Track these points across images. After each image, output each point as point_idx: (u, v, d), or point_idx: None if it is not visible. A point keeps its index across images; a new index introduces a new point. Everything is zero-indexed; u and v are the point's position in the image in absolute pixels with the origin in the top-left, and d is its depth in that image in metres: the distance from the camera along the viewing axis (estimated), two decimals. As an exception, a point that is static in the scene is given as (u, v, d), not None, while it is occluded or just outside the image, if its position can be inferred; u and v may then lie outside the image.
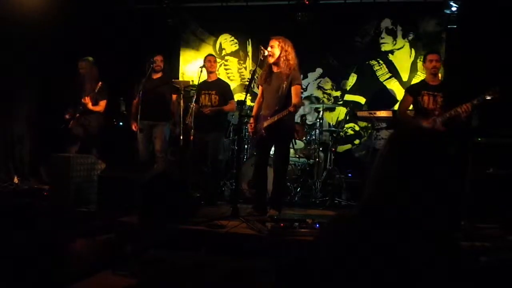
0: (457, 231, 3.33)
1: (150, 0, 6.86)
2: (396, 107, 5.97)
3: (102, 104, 5.41)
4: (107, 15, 6.76)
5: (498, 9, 5.53)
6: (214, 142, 5.05)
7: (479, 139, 4.51)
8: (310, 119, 6.02)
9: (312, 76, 6.79)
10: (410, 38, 6.47)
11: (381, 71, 6.56)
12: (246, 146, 5.78)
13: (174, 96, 5.27)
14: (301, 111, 6.07)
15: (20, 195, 5.07)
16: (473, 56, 5.61)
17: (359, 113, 5.59)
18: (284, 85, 4.06)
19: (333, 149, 5.63)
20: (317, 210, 4.81)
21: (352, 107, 6.35)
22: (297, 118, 5.65)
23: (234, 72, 7.14)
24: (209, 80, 5.24)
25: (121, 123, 6.23)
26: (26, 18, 5.75)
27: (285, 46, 4.11)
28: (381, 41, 6.57)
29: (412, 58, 6.47)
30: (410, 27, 6.45)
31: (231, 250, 3.22)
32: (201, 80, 5.20)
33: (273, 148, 4.40)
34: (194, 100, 5.08)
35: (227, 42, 7.17)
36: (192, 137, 4.97)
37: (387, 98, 6.44)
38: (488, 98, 3.93)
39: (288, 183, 5.14)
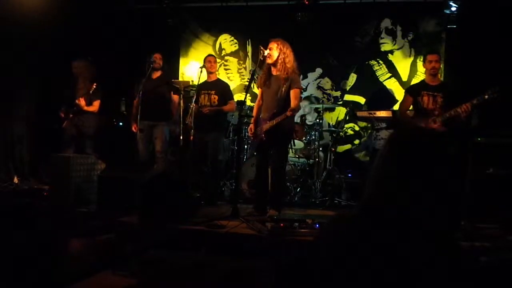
0: (457, 231, 3.33)
1: (150, 0, 6.86)
2: (395, 107, 5.98)
3: (96, 104, 5.41)
4: (107, 15, 6.76)
5: (498, 9, 5.53)
6: (214, 142, 5.05)
7: (479, 139, 4.51)
8: (310, 119, 6.02)
9: (312, 76, 6.79)
10: (409, 38, 6.47)
11: (381, 71, 6.56)
12: (246, 146, 5.78)
13: (175, 97, 5.26)
14: (301, 111, 6.08)
15: (20, 195, 5.08)
16: (473, 56, 5.61)
17: (359, 113, 5.59)
18: (283, 88, 4.07)
19: (333, 149, 5.62)
20: (317, 210, 4.81)
21: (352, 107, 6.35)
22: (297, 118, 5.65)
23: (234, 72, 7.14)
24: (209, 81, 5.24)
25: (121, 123, 6.23)
26: (26, 18, 5.75)
27: (283, 49, 4.11)
28: (381, 41, 6.57)
29: (412, 58, 6.47)
30: (410, 27, 6.45)
31: (231, 250, 3.22)
32: (201, 81, 5.20)
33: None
34: (194, 100, 5.08)
35: (227, 42, 7.17)
36: (192, 137, 4.97)
37: (387, 98, 6.44)
38: (488, 98, 3.94)
39: (288, 183, 5.14)
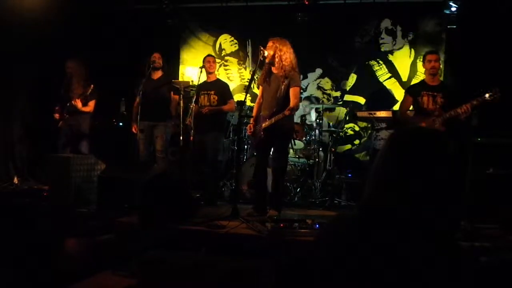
0: (457, 231, 3.33)
1: (150, 0, 6.87)
2: (395, 107, 5.97)
3: (91, 104, 5.43)
4: (107, 15, 6.76)
5: (498, 10, 5.53)
6: (214, 142, 5.05)
7: (479, 139, 4.51)
8: (310, 119, 6.02)
9: (312, 76, 6.79)
10: (409, 38, 6.47)
11: (381, 71, 6.56)
12: (245, 146, 5.78)
13: (175, 97, 5.26)
14: (301, 111, 6.08)
15: (20, 196, 5.07)
16: (473, 56, 5.61)
17: (359, 114, 5.60)
18: (283, 87, 4.06)
19: (333, 149, 5.62)
20: (317, 211, 4.81)
21: (352, 107, 6.35)
22: (297, 119, 5.65)
23: (234, 72, 7.14)
24: (208, 81, 5.24)
25: (121, 124, 6.23)
26: (26, 18, 5.75)
27: (279, 46, 4.10)
28: (381, 41, 6.57)
29: (412, 59, 6.47)
30: (410, 27, 6.45)
31: (231, 251, 3.22)
32: (201, 81, 5.20)
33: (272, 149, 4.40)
34: (194, 100, 5.08)
35: (227, 43, 7.17)
36: (192, 138, 4.97)
37: (387, 98, 6.44)
38: (489, 98, 3.94)
39: (288, 184, 5.14)
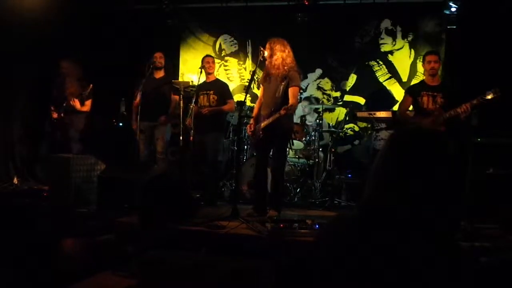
0: (457, 231, 3.33)
1: (150, 0, 6.87)
2: (395, 107, 5.97)
3: (88, 104, 5.43)
4: (107, 15, 6.76)
5: (498, 10, 5.53)
6: (214, 142, 5.05)
7: (479, 139, 4.51)
8: (309, 120, 6.02)
9: (311, 76, 6.79)
10: (409, 38, 6.47)
11: (381, 72, 6.56)
12: (245, 146, 5.78)
13: (175, 97, 5.26)
14: (300, 111, 6.08)
15: (20, 196, 5.08)
16: (473, 57, 5.61)
17: (359, 114, 5.59)
18: (281, 87, 4.06)
19: (333, 150, 5.62)
20: (317, 211, 4.81)
21: (352, 107, 6.35)
22: (297, 119, 5.65)
23: (233, 72, 7.14)
24: (208, 81, 5.23)
25: (121, 124, 6.23)
26: (26, 18, 5.75)
27: (275, 46, 4.11)
28: (381, 41, 6.57)
29: (412, 59, 6.47)
30: (409, 27, 6.45)
31: (231, 251, 3.22)
32: (201, 81, 5.20)
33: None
34: (193, 101, 5.08)
35: (227, 43, 7.17)
36: (192, 138, 4.97)
37: (387, 99, 6.44)
38: (488, 98, 3.94)
39: (288, 184, 5.14)
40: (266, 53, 4.14)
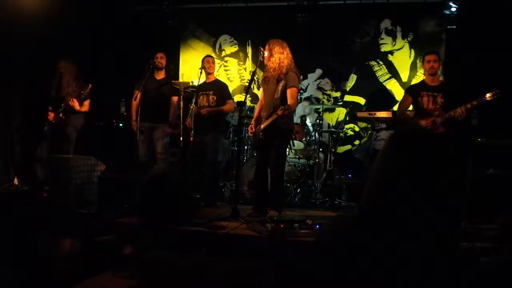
0: (457, 231, 3.32)
1: (150, 1, 6.87)
2: (395, 108, 5.98)
3: (87, 104, 5.42)
4: (107, 15, 6.76)
5: (498, 10, 5.53)
6: (214, 143, 5.04)
7: (479, 139, 4.51)
8: (310, 120, 6.02)
9: (312, 77, 6.79)
10: (409, 38, 6.47)
11: (381, 72, 6.56)
12: (246, 147, 5.78)
13: (174, 98, 5.26)
14: (301, 111, 6.08)
15: (20, 197, 5.07)
16: (473, 57, 5.61)
17: (359, 114, 5.59)
18: (279, 88, 4.07)
19: (333, 150, 5.62)
20: (317, 211, 4.81)
21: (352, 107, 6.35)
22: (297, 119, 5.65)
23: (233, 73, 7.14)
24: (207, 81, 5.23)
25: (121, 124, 6.23)
26: (27, 18, 5.75)
27: (274, 48, 4.13)
28: (381, 41, 6.57)
29: (412, 59, 6.47)
30: (409, 27, 6.45)
31: (231, 251, 3.22)
32: (200, 82, 5.20)
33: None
34: (193, 101, 5.08)
35: (227, 43, 7.17)
36: (191, 139, 4.97)
37: (387, 99, 6.44)
38: (488, 98, 3.94)
39: (288, 184, 5.14)
40: (266, 54, 4.15)
